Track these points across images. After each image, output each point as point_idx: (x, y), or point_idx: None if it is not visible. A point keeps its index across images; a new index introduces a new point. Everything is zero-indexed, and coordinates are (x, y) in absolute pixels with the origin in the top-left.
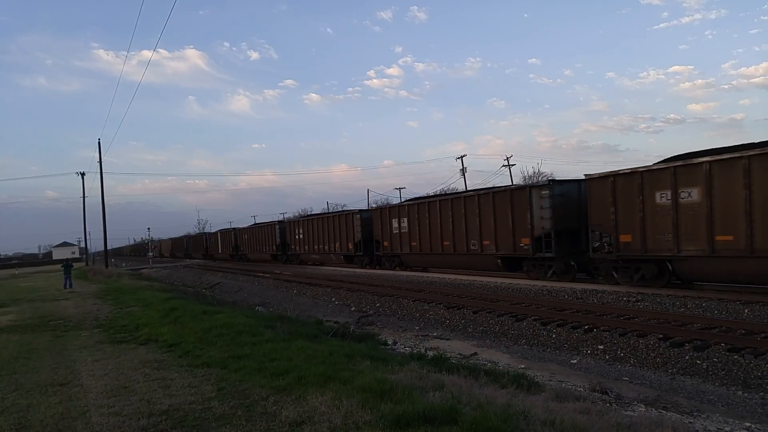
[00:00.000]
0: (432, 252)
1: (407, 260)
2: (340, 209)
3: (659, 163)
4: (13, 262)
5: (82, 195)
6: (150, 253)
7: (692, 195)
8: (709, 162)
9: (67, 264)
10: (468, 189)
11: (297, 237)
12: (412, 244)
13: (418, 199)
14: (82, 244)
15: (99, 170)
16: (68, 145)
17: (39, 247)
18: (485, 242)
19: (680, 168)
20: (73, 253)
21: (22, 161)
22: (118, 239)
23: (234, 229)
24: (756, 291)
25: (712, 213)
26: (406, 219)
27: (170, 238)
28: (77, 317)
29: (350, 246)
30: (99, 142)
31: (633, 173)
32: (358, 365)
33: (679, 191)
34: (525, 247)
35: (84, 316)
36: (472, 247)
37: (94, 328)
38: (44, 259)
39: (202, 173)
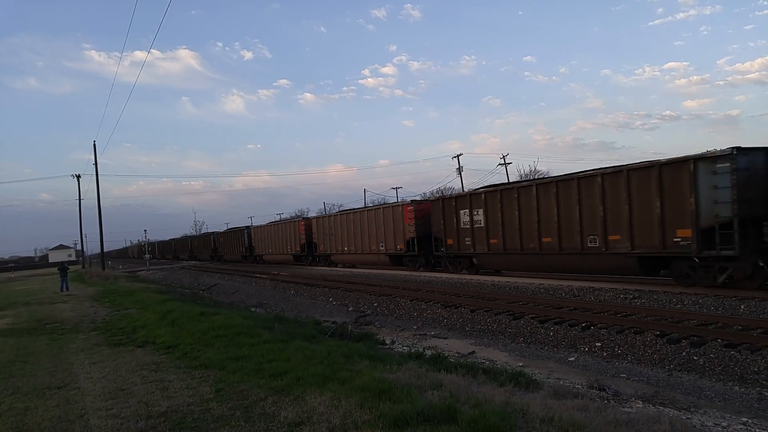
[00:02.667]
0: (349, 252)
1: (335, 259)
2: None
3: (468, 191)
4: (9, 265)
5: (77, 197)
6: (147, 255)
7: (479, 214)
8: (484, 193)
9: (62, 267)
10: (367, 206)
11: (260, 240)
12: (337, 247)
13: (343, 212)
14: (79, 247)
15: (94, 173)
16: (62, 148)
17: (35, 250)
18: (380, 245)
19: (473, 195)
20: (70, 255)
21: (16, 164)
22: (115, 241)
23: (213, 233)
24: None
25: (488, 227)
26: (329, 227)
27: (160, 241)
28: (74, 320)
29: (298, 248)
30: (94, 145)
31: (451, 198)
32: (356, 365)
33: (473, 211)
34: (401, 248)
35: (81, 319)
36: (372, 248)
37: (91, 331)
38: (40, 262)
39: (197, 174)
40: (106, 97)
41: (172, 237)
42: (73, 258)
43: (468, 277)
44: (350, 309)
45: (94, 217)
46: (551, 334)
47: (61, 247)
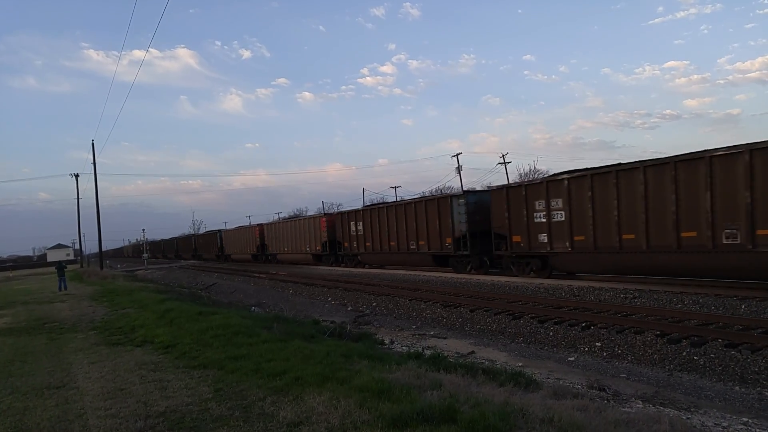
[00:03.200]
0: (288, 252)
1: (280, 258)
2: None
3: (354, 209)
4: (7, 264)
5: (76, 197)
6: (145, 255)
7: (360, 225)
8: (362, 211)
9: (60, 266)
10: (295, 216)
11: (228, 242)
12: (281, 248)
13: (283, 220)
14: (77, 246)
15: (93, 171)
16: (60, 147)
17: (33, 250)
18: (306, 246)
19: (356, 212)
20: (68, 255)
21: (14, 163)
22: (114, 241)
23: (193, 235)
24: (753, 287)
25: (365, 234)
26: (275, 232)
27: (150, 241)
28: (72, 319)
29: (254, 249)
30: (93, 144)
31: (345, 213)
32: (355, 365)
33: (357, 223)
34: (319, 249)
35: (79, 319)
36: (302, 248)
37: (89, 331)
38: (39, 261)
39: (195, 173)
40: (105, 96)
41: (167, 237)
42: (72, 257)
43: (466, 276)
44: (349, 308)
45: (92, 216)
46: (551, 333)
47: (60, 246)
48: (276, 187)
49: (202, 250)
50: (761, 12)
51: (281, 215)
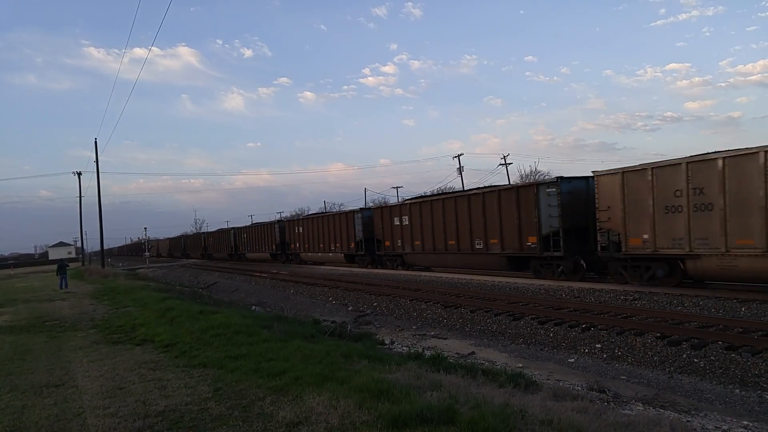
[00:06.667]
0: (216, 252)
1: (215, 256)
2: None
3: (243, 226)
4: (9, 262)
5: (78, 194)
6: (146, 253)
7: (244, 236)
8: (246, 226)
9: (61, 264)
10: (226, 227)
11: (188, 244)
12: (214, 249)
13: (217, 230)
14: (79, 244)
15: (95, 170)
16: (61, 144)
17: (35, 247)
18: (225, 248)
19: (240, 228)
20: (70, 253)
21: (15, 161)
22: (115, 239)
23: (170, 238)
24: (753, 290)
25: (246, 243)
26: (211, 238)
27: (157, 239)
28: (73, 318)
29: (202, 250)
30: (95, 142)
31: (240, 228)
32: (355, 365)
33: (243, 234)
34: (230, 251)
35: (80, 317)
36: (223, 250)
37: (89, 329)
38: (40, 259)
39: (197, 172)
40: (105, 94)
41: (163, 237)
42: (73, 255)
43: (467, 277)
44: (350, 308)
45: (94, 214)
46: (551, 335)
47: (61, 244)
48: (278, 187)
49: (174, 250)
50: (763, 15)
51: (283, 215)
